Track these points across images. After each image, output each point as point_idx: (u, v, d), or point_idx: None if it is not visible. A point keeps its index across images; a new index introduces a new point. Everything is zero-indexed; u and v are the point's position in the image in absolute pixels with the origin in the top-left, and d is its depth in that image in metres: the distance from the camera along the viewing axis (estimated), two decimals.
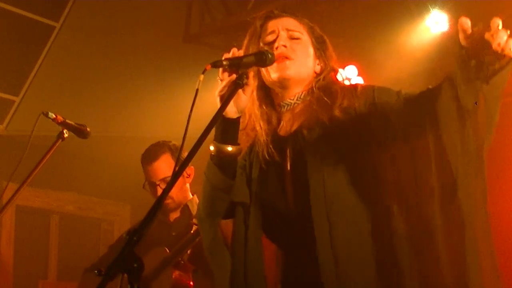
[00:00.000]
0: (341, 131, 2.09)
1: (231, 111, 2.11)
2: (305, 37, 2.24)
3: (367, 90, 2.15)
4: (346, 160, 2.06)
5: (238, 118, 2.14)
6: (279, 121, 2.25)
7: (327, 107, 2.13)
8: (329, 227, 2.01)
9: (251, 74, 2.10)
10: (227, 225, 2.31)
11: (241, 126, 2.20)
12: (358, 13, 5.40)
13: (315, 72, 2.25)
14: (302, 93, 2.22)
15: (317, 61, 2.26)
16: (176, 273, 3.39)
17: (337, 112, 2.11)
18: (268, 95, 2.27)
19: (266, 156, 2.19)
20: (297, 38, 2.22)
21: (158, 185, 3.52)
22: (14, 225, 5.86)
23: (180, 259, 3.41)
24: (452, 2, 5.17)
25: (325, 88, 2.19)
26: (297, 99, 2.22)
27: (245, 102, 2.13)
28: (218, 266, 2.24)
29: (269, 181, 2.18)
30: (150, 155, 3.60)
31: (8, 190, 2.94)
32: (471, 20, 1.91)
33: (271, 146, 2.19)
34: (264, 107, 2.25)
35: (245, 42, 2.30)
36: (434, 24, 5.22)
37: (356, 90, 2.17)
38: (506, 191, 5.18)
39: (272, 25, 2.25)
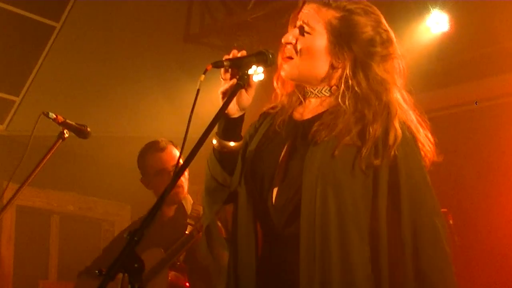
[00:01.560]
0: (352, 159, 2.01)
1: (233, 110, 2.10)
2: (318, 33, 2.11)
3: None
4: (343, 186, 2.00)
5: (241, 116, 2.14)
6: (300, 102, 2.21)
7: (349, 131, 2.03)
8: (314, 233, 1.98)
9: (251, 75, 2.10)
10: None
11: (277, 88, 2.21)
12: None
13: (335, 67, 2.12)
14: (323, 87, 2.15)
15: (335, 56, 2.11)
16: (172, 274, 3.40)
17: (357, 142, 2.01)
18: None
19: (270, 132, 2.19)
20: (307, 33, 2.11)
21: (171, 171, 3.49)
22: (14, 225, 5.85)
23: (176, 260, 3.41)
24: (452, 2, 5.17)
25: (356, 107, 2.07)
26: (317, 92, 2.16)
27: (247, 101, 2.12)
28: (214, 253, 2.22)
29: (264, 151, 2.17)
30: (158, 144, 3.60)
31: (9, 190, 2.94)
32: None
33: (281, 124, 2.18)
34: (288, 90, 2.22)
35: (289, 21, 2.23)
36: (435, 24, 5.22)
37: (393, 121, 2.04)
38: (506, 190, 5.18)
39: (301, 13, 2.16)
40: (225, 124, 2.12)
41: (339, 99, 2.09)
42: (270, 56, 2.11)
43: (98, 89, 5.84)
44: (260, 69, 2.18)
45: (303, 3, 2.17)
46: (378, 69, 2.09)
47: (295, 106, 2.22)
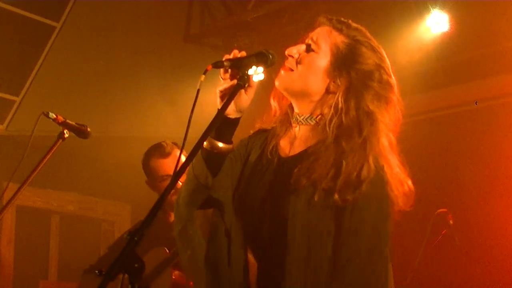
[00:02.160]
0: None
1: (230, 110, 2.10)
2: (323, 50, 2.15)
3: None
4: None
5: (237, 118, 2.13)
6: (288, 129, 2.23)
7: (328, 175, 2.04)
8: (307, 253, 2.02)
9: (252, 75, 2.10)
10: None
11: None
12: (358, 13, 5.41)
13: (329, 91, 2.14)
14: (310, 115, 2.16)
15: (333, 79, 2.13)
16: (176, 273, 3.40)
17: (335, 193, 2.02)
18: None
19: (263, 159, 2.20)
20: (312, 51, 2.15)
21: None
22: (14, 225, 5.85)
23: (179, 259, 3.41)
24: (452, 2, 5.17)
25: (337, 140, 2.08)
26: (303, 119, 2.18)
27: (246, 102, 2.12)
28: (188, 254, 2.23)
29: (253, 181, 2.18)
30: (163, 149, 3.59)
31: (9, 190, 2.94)
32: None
33: (271, 153, 2.19)
34: (288, 112, 2.23)
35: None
36: (435, 24, 5.23)
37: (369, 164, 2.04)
38: (506, 190, 5.18)
39: (313, 32, 2.20)
40: (220, 124, 2.11)
41: (326, 123, 2.10)
42: (270, 56, 2.12)
43: (98, 89, 5.84)
44: (260, 69, 2.18)
45: (318, 25, 2.21)
46: (370, 103, 2.10)
47: (286, 129, 2.23)
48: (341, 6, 5.50)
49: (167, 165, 3.56)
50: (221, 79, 2.09)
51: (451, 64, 5.57)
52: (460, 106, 5.70)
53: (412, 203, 2.09)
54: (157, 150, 3.61)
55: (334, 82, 2.13)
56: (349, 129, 2.08)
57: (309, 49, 2.16)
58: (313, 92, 2.15)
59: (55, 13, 5.37)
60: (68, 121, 3.06)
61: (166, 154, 3.58)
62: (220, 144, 2.12)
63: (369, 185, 2.01)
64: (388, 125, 2.12)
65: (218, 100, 2.07)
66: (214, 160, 2.14)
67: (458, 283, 5.06)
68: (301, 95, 2.16)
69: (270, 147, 2.20)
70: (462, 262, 5.09)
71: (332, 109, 2.11)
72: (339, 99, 2.11)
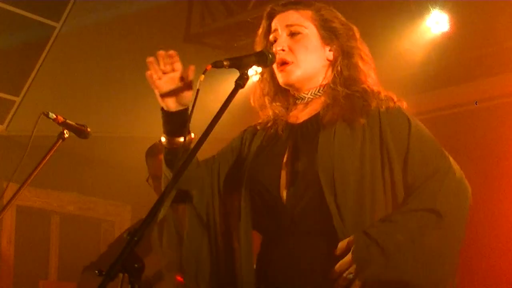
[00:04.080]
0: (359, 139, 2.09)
1: (171, 104, 2.09)
2: (308, 30, 2.19)
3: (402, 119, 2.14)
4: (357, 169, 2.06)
5: (181, 110, 2.10)
6: (290, 110, 2.25)
7: (349, 111, 2.11)
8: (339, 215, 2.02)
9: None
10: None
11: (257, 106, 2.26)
12: (358, 13, 5.40)
13: (328, 60, 2.21)
14: (318, 88, 2.20)
15: (328, 48, 2.21)
16: (179, 276, 3.40)
17: (361, 119, 2.09)
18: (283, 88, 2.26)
19: (265, 140, 2.22)
20: (297, 33, 2.18)
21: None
22: (14, 225, 5.86)
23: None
24: (452, 2, 5.17)
25: (348, 86, 2.16)
26: (311, 94, 2.21)
27: (188, 98, 2.10)
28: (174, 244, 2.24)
29: (264, 157, 2.19)
30: (157, 148, 3.61)
31: (9, 190, 2.93)
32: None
33: (278, 129, 2.21)
34: (278, 102, 2.25)
35: (256, 40, 2.29)
36: (435, 24, 5.23)
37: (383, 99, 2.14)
38: (506, 190, 5.18)
39: (275, 22, 2.23)
40: (164, 119, 2.11)
41: (331, 81, 2.17)
42: (270, 56, 2.12)
43: (98, 89, 5.84)
44: (260, 69, 2.19)
45: (273, 14, 2.23)
46: (360, 60, 2.21)
47: (290, 111, 2.24)
48: (340, 6, 5.49)
49: (152, 165, 3.59)
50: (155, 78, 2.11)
51: (451, 64, 5.57)
52: (460, 106, 5.70)
53: None
54: (150, 150, 3.64)
55: (330, 49, 2.20)
56: (351, 79, 2.16)
57: (291, 33, 2.19)
58: (319, 69, 2.19)
59: (55, 13, 5.37)
60: (68, 121, 3.06)
61: (154, 154, 3.60)
62: (181, 139, 2.11)
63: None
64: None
65: (159, 99, 2.08)
66: (177, 153, 2.12)
67: (458, 283, 5.05)
68: (311, 76, 2.19)
69: (278, 125, 2.21)
70: (462, 262, 5.09)
71: (334, 71, 2.18)
72: (338, 61, 2.18)
